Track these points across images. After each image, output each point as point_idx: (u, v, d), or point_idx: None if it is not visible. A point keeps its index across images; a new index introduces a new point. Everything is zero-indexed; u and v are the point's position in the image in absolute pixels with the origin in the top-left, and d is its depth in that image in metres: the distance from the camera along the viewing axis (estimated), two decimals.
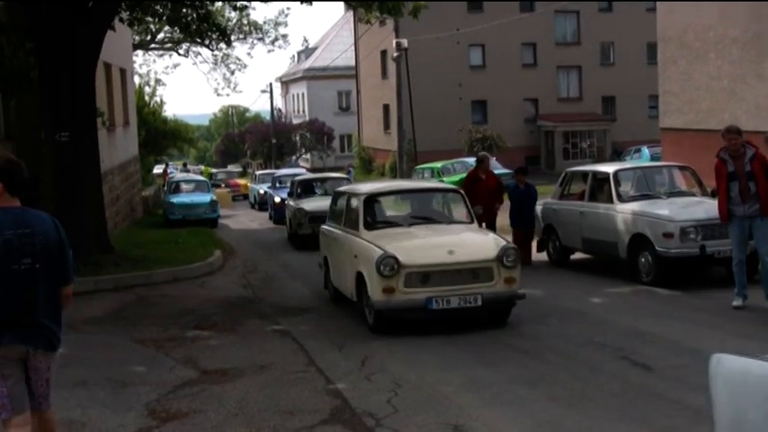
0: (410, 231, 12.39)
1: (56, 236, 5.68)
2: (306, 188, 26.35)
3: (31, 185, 5.75)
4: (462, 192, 13.60)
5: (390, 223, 12.85)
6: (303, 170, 46.13)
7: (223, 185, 56.88)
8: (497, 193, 17.94)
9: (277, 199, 32.91)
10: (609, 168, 16.54)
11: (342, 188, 15.52)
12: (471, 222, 12.89)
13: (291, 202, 25.33)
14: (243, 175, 77.02)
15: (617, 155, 52.30)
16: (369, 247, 11.73)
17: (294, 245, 24.16)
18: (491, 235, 12.43)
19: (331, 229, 14.27)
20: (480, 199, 16.90)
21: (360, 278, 11.83)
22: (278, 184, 35.47)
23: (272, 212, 34.40)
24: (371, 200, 13.09)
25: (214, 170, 76.68)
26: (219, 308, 14.44)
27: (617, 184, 15.79)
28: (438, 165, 40.07)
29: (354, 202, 13.11)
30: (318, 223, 20.63)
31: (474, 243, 11.83)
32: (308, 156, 77.28)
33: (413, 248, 11.50)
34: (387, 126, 59.93)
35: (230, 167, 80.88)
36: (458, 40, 54.64)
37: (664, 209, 14.52)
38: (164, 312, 14.08)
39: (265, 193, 41.26)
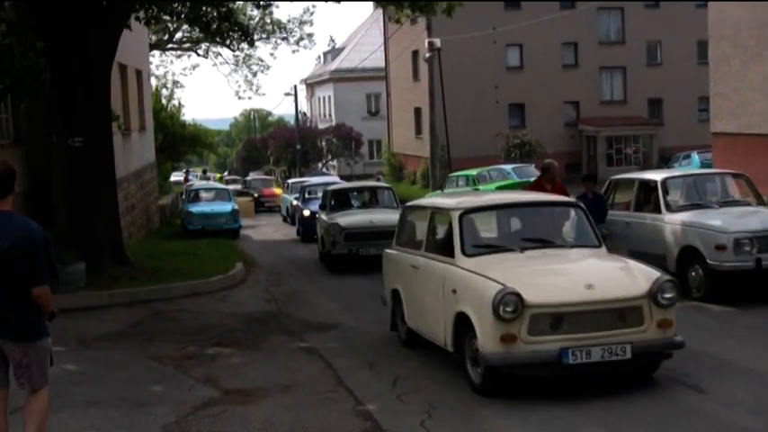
0: (525, 259, 10.08)
1: (26, 241, 6.54)
2: (341, 200, 23.96)
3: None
4: (584, 207, 11.33)
5: (497, 248, 10.49)
6: (336, 178, 44.06)
7: (256, 195, 54.28)
8: None
9: (306, 212, 30.42)
10: (656, 176, 16.41)
11: (418, 202, 13.42)
12: (599, 246, 10.71)
13: (324, 216, 22.80)
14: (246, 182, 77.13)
15: (664, 161, 51.97)
16: (476, 281, 9.46)
17: (326, 266, 22.03)
18: (632, 263, 10.11)
19: (404, 254, 11.96)
20: None
21: (461, 321, 9.58)
22: (307, 195, 32.95)
23: (300, 227, 31.88)
24: (468, 217, 10.65)
25: (226, 176, 76.96)
26: (242, 323, 14.44)
27: (665, 192, 15.65)
28: (473, 172, 39.95)
29: (443, 221, 10.98)
30: (356, 242, 20.66)
31: (616, 274, 9.71)
32: (335, 162, 77.37)
33: (538, 282, 9.32)
34: (418, 131, 59.89)
35: (252, 175, 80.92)
36: (494, 40, 54.52)
37: (716, 219, 14.36)
38: (182, 328, 14.09)
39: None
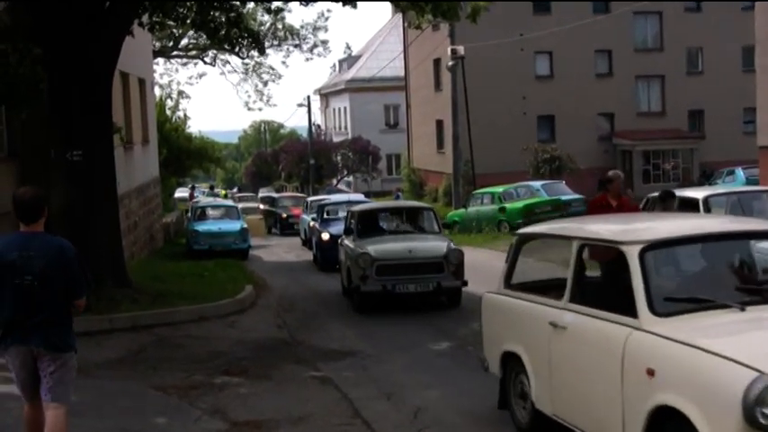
0: (754, 321, 7.11)
1: (58, 259, 7.70)
2: (370, 223, 21.14)
3: (29, 207, 7.80)
4: None
5: (704, 303, 7.34)
6: (361, 196, 41.28)
7: (284, 215, 50.89)
8: None
9: (325, 236, 27.83)
10: (698, 194, 16.37)
11: (549, 228, 10.32)
12: None
13: (349, 243, 20.03)
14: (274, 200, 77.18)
15: (706, 178, 51.83)
16: (697, 358, 6.54)
17: (353, 305, 18.98)
18: None
19: (531, 304, 9.12)
20: None
21: (663, 417, 6.72)
22: (326, 215, 30.67)
23: (318, 253, 29.22)
24: (655, 255, 7.75)
25: (235, 193, 77.02)
26: (251, 351, 14.46)
27: (707, 211, 15.59)
28: (499, 189, 39.92)
29: (608, 258, 8.48)
30: (392, 276, 17.83)
31: None
32: (351, 178, 77.48)
33: None
34: (440, 145, 59.91)
35: (263, 192, 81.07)
36: (522, 47, 54.56)
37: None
38: (188, 355, 14.11)
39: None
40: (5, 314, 7.73)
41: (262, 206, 61.17)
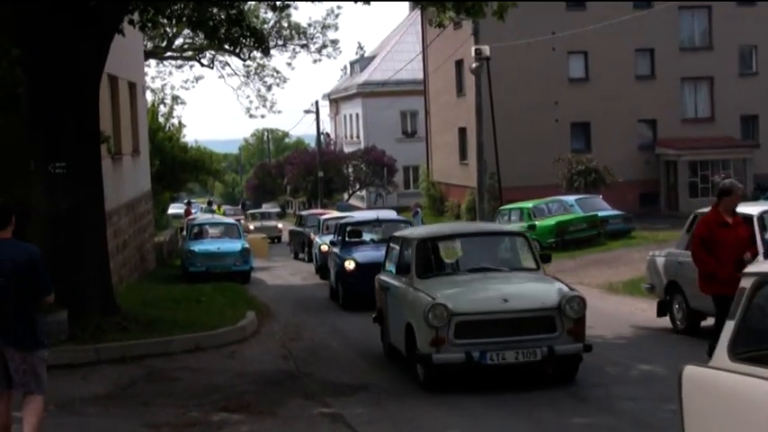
0: None
1: (26, 261, 9.25)
2: (432, 255, 15.92)
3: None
4: None
5: None
6: (392, 213, 36.21)
7: (313, 235, 42.59)
8: (750, 245, 14.03)
9: (349, 265, 24.78)
10: (751, 209, 16.31)
11: None
12: None
13: (398, 284, 15.78)
14: (281, 216, 77.34)
15: (761, 191, 51.64)
16: None
17: (421, 383, 13.97)
18: None
19: None
20: (725, 253, 13.45)
21: None
22: (347, 238, 26.94)
23: (339, 287, 25.67)
24: None
25: (247, 210, 77.01)
26: (254, 384, 14.43)
27: (762, 229, 15.53)
28: (528, 204, 39.95)
29: None
30: (478, 338, 13.49)
31: None
32: (364, 193, 77.55)
33: None
34: (463, 155, 59.90)
35: (265, 207, 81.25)
36: (553, 47, 54.53)
37: None
38: (183, 390, 14.08)
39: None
40: None
41: (279, 225, 61.15)
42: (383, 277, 17.13)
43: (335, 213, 46.40)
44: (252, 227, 60.89)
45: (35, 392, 9.38)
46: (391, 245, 17.67)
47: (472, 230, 18.16)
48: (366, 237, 27.06)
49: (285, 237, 58.29)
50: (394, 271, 16.32)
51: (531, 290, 14.43)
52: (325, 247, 32.57)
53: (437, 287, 14.26)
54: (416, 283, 14.76)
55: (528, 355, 13.25)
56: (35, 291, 9.41)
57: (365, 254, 24.89)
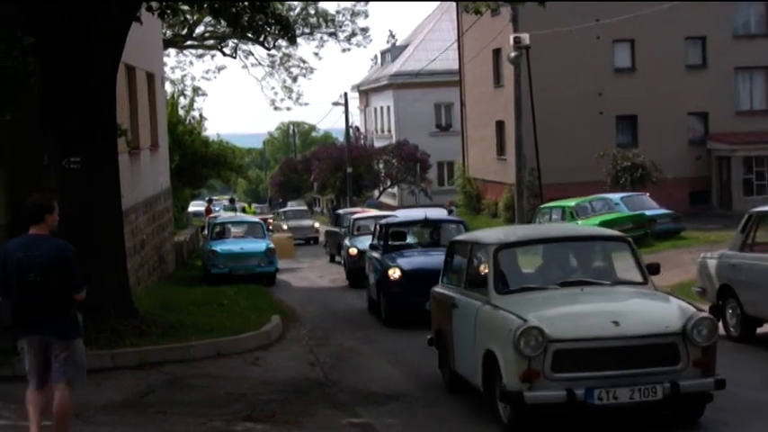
0: None
1: (56, 258, 10.18)
2: (515, 265, 13.83)
3: (31, 211, 10.46)
4: None
5: None
6: (442, 211, 36.70)
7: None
8: None
9: (394, 273, 22.40)
10: None
11: None
12: None
13: (477, 302, 13.08)
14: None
15: None
16: None
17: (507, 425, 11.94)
18: None
19: None
20: None
21: None
22: (390, 240, 24.74)
23: (383, 299, 22.95)
24: None
25: (278, 209, 76.92)
26: (278, 393, 14.44)
27: None
28: (571, 203, 39.83)
29: None
30: (583, 371, 11.35)
31: None
32: (395, 190, 77.50)
33: None
34: (501, 150, 59.83)
35: (291, 204, 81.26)
36: (598, 35, 54.38)
37: None
38: (204, 398, 14.11)
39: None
40: (14, 307, 10.33)
41: (316, 224, 59.78)
42: (444, 291, 14.92)
43: (371, 212, 45.56)
44: (285, 226, 60.67)
45: (74, 380, 10.40)
46: (454, 252, 15.36)
47: (562, 234, 15.38)
48: (410, 239, 25.48)
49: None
50: (460, 284, 14.12)
51: (646, 309, 12.24)
52: (354, 251, 32.22)
53: (526, 305, 12.03)
54: (496, 300, 12.52)
55: (646, 393, 11.10)
56: (68, 286, 10.27)
57: (412, 260, 23.02)
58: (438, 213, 31.80)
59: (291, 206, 78.50)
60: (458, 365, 13.85)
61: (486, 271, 13.18)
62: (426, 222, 26.18)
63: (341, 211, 52.29)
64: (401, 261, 22.86)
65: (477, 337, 12.73)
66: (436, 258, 19.40)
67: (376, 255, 24.88)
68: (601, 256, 13.91)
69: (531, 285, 13.05)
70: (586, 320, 11.71)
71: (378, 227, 27.30)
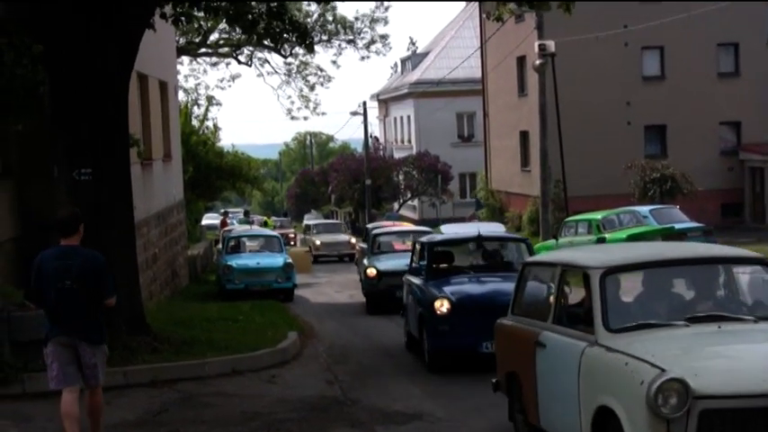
0: None
1: (89, 267, 11.39)
2: (620, 294, 11.24)
3: (65, 223, 11.62)
4: None
5: None
6: (499, 226, 33.34)
7: None
8: None
9: (441, 306, 18.05)
10: None
11: None
12: None
13: (571, 341, 10.85)
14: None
15: None
16: None
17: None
18: None
19: None
20: None
21: None
22: (429, 263, 20.58)
23: (421, 335, 19.17)
24: None
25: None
26: (296, 411, 14.46)
27: None
28: (597, 216, 39.72)
29: None
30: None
31: None
32: (415, 202, 77.49)
33: None
34: (525, 161, 59.83)
35: (308, 218, 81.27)
36: (625, 42, 54.36)
37: None
38: (219, 417, 14.14)
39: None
40: (50, 312, 11.45)
41: (352, 240, 56.35)
42: (521, 325, 12.44)
43: (405, 226, 42.70)
44: (318, 242, 57.85)
45: (99, 383, 11.65)
46: (530, 276, 12.98)
47: (685, 255, 11.94)
48: (458, 261, 21.15)
49: None
50: (545, 318, 11.60)
51: None
52: (373, 272, 29.13)
53: (652, 349, 9.52)
54: (607, 340, 10.11)
55: None
56: (99, 293, 11.48)
57: (464, 289, 18.95)
58: (494, 229, 27.17)
59: (309, 218, 78.44)
60: (544, 420, 11.49)
61: (589, 302, 10.72)
62: (480, 240, 21.52)
63: (370, 226, 46.19)
64: (451, 290, 18.56)
65: (581, 387, 10.27)
66: (494, 286, 17.82)
67: (416, 281, 20.56)
68: (733, 283, 11.40)
69: (650, 321, 10.40)
70: (738, 370, 9.20)
71: (419, 245, 22.58)
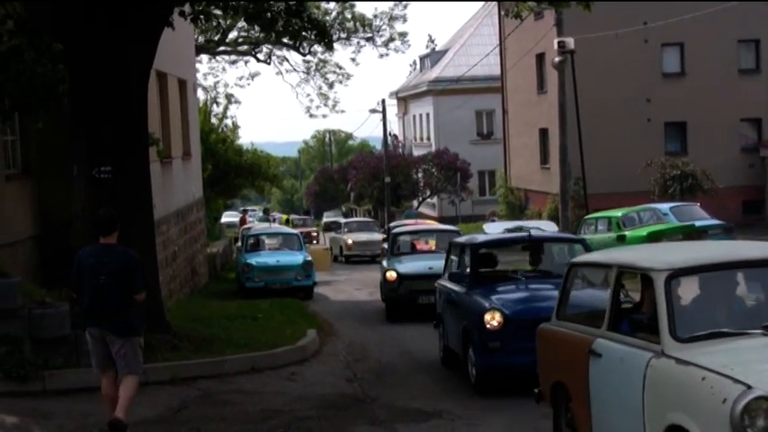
0: None
1: (123, 264, 12.36)
2: (694, 298, 10.25)
3: (104, 223, 12.72)
4: None
5: None
6: (551, 225, 23.43)
7: None
8: None
9: (493, 319, 15.80)
10: None
11: None
12: None
13: (636, 351, 9.77)
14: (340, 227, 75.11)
15: None
16: None
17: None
18: None
19: None
20: None
21: None
22: (472, 268, 18.13)
23: (465, 351, 16.97)
24: None
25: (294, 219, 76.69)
26: (315, 409, 14.50)
27: None
28: (617, 213, 39.62)
29: None
30: None
31: None
32: (435, 200, 77.43)
33: None
34: (544, 159, 59.72)
35: (327, 216, 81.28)
36: (645, 38, 54.19)
37: None
38: (238, 414, 14.18)
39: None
40: (85, 305, 12.48)
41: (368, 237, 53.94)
42: (569, 331, 11.37)
43: (429, 224, 40.32)
44: (350, 241, 54.85)
45: (133, 372, 12.44)
46: (577, 277, 12.19)
47: (757, 256, 10.43)
48: (504, 265, 19.66)
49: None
50: (598, 324, 10.59)
51: None
52: (392, 275, 26.65)
53: (728, 361, 8.52)
54: (675, 351, 9.11)
55: None
56: (131, 289, 12.38)
57: (515, 298, 16.78)
58: (546, 226, 21.83)
59: (328, 216, 78.37)
60: None
61: (652, 308, 9.74)
62: (531, 241, 18.87)
63: (393, 225, 44.61)
64: (501, 300, 16.26)
65: (647, 402, 9.29)
66: (549, 295, 15.31)
67: (457, 288, 18.04)
68: None
69: (723, 330, 9.38)
70: None
71: (458, 247, 19.92)
